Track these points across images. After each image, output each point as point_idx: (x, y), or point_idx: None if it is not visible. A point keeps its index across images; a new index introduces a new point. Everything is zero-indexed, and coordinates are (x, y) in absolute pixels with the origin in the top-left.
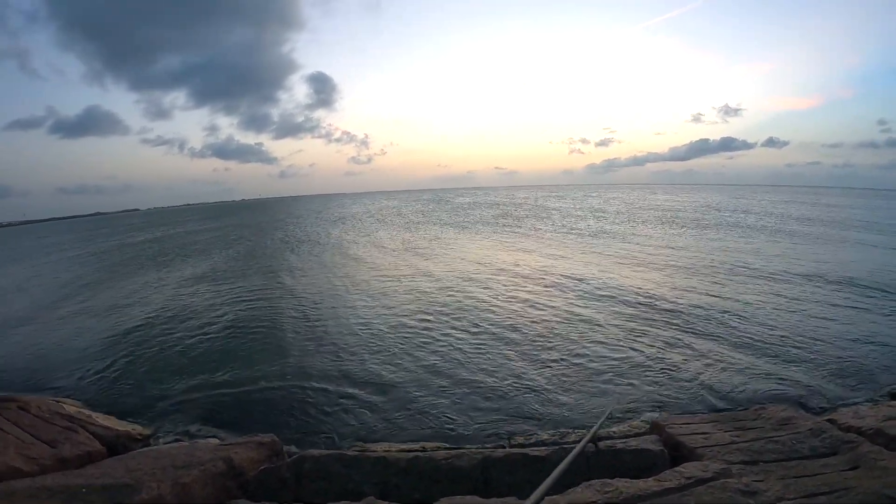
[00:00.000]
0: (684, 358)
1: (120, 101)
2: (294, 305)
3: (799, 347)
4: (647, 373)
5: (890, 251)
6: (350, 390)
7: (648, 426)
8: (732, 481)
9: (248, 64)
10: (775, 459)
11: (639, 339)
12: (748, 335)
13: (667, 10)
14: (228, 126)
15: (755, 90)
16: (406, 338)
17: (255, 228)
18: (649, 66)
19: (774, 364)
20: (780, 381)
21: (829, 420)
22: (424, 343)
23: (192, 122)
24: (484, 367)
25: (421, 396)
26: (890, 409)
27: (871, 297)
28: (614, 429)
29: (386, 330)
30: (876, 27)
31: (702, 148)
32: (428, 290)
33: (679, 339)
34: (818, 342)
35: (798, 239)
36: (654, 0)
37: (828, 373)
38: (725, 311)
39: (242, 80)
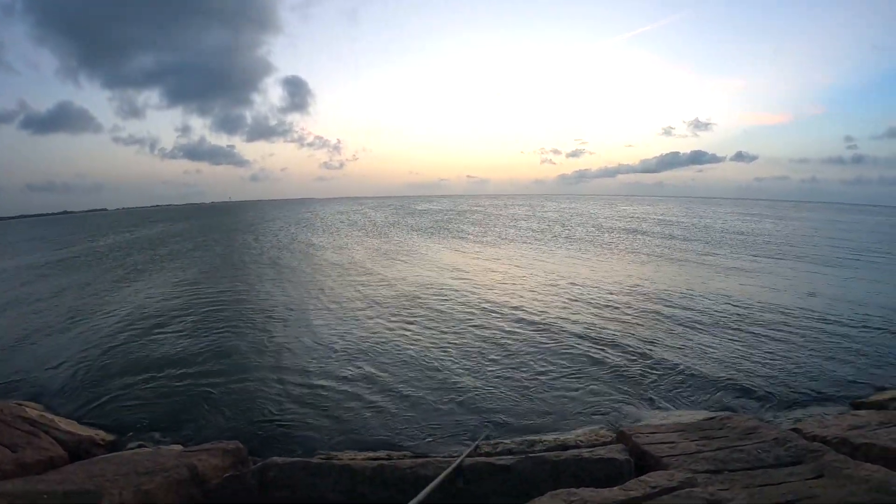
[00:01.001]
0: (649, 367)
1: (93, 98)
2: (260, 311)
3: (763, 358)
4: (612, 382)
5: (843, 268)
6: (315, 398)
7: (614, 435)
8: (698, 490)
9: (224, 65)
10: (741, 468)
11: (601, 347)
12: (712, 346)
13: (642, 25)
14: (201, 127)
15: (726, 105)
16: (371, 344)
17: (224, 232)
18: (622, 78)
19: (740, 374)
20: (745, 392)
21: (794, 430)
22: (389, 349)
23: (164, 122)
24: (448, 374)
25: (385, 404)
26: (854, 418)
27: (834, 310)
28: (581, 438)
29: (352, 336)
30: (846, 47)
31: (672, 161)
32: (387, 294)
33: (642, 349)
34: (782, 353)
35: (742, 250)
36: (631, 14)
37: (793, 383)
38: (688, 322)
39: (217, 82)
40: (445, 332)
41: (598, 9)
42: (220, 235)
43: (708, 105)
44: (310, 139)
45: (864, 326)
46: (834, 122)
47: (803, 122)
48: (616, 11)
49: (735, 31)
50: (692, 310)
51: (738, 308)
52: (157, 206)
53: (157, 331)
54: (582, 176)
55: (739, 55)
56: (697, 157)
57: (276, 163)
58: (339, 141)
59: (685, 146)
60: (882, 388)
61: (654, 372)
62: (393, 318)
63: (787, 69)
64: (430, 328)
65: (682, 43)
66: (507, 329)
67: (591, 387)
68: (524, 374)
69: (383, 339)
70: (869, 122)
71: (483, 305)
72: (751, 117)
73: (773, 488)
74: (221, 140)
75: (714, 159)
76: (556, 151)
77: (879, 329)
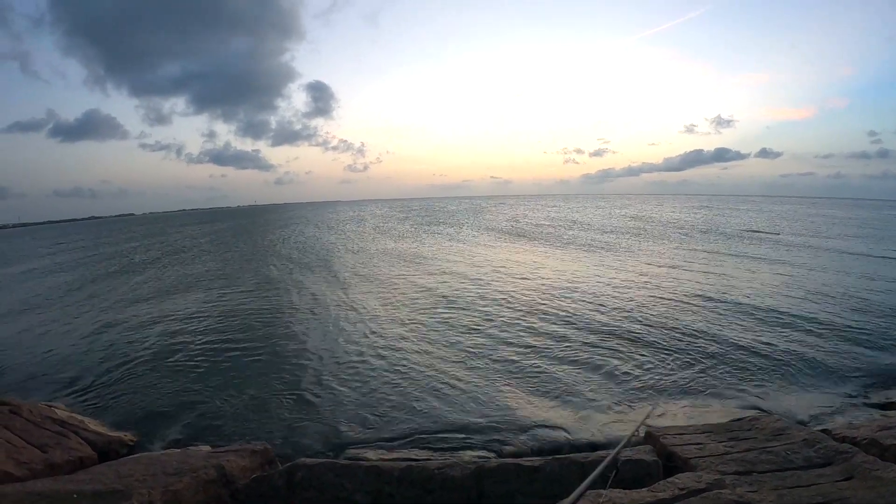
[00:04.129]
0: (678, 369)
1: (120, 105)
2: (284, 315)
3: (791, 358)
4: (641, 383)
5: (875, 263)
6: (341, 398)
7: (643, 437)
8: (726, 492)
9: (248, 72)
10: (769, 470)
11: (628, 347)
12: (738, 347)
13: (662, 22)
14: (226, 133)
15: (748, 101)
16: (395, 346)
17: (249, 234)
18: (643, 76)
19: (768, 375)
20: (774, 392)
21: (823, 430)
22: (412, 351)
23: (190, 128)
24: (472, 376)
25: (411, 404)
26: (884, 419)
27: (861, 307)
28: (609, 438)
29: (375, 338)
30: (870, 39)
31: (696, 159)
32: (411, 294)
33: (668, 348)
34: (811, 353)
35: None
36: (650, 11)
37: (822, 383)
38: (712, 322)
39: (241, 88)
40: (467, 333)
41: (616, 7)
42: (247, 238)
43: (730, 101)
44: (334, 143)
45: (886, 324)
46: (857, 115)
47: (827, 116)
48: (634, 9)
49: (754, 25)
50: (718, 309)
51: (764, 307)
52: (184, 210)
53: (183, 335)
54: (606, 175)
55: (759, 50)
56: (721, 155)
57: (300, 166)
58: (362, 144)
59: (708, 144)
60: None
61: (683, 372)
62: (416, 321)
63: (808, 62)
64: (449, 330)
65: (701, 40)
66: (532, 329)
67: (619, 387)
68: (551, 374)
69: (409, 339)
70: (892, 114)
71: (512, 305)
72: (774, 112)
73: (802, 490)
74: (247, 145)
75: (738, 156)
76: (578, 151)
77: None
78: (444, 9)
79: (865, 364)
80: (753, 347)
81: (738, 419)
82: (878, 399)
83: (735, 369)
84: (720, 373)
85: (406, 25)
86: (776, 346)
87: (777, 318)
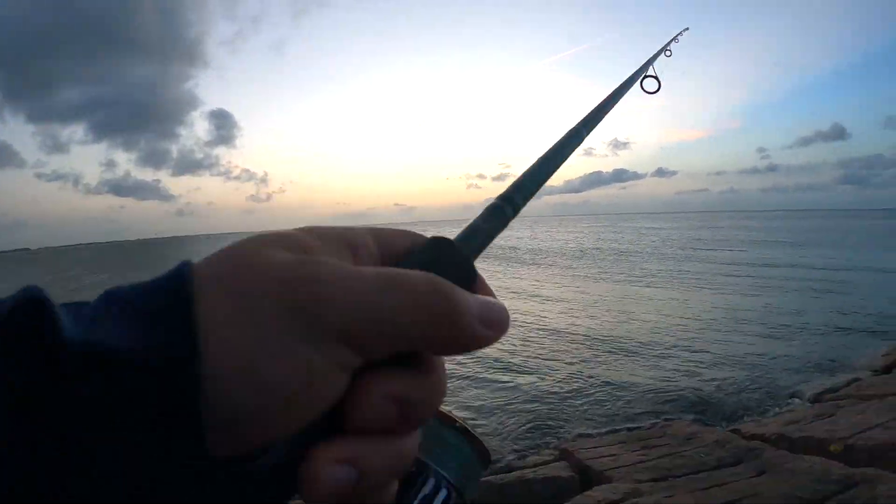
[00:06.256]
0: (584, 381)
1: (16, 132)
2: None
3: (697, 363)
4: (549, 403)
5: (765, 267)
6: None
7: (556, 453)
8: (643, 500)
9: (150, 99)
10: (683, 474)
11: (528, 372)
12: (642, 359)
13: (565, 49)
14: (126, 161)
15: (645, 124)
16: None
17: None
18: (544, 102)
19: (675, 381)
20: (682, 398)
21: (732, 431)
22: None
23: (89, 157)
24: None
25: None
26: (790, 414)
27: (761, 309)
28: (523, 458)
29: None
30: (758, 65)
31: (595, 180)
32: None
33: (570, 370)
34: (715, 356)
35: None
36: (554, 39)
37: (728, 386)
38: (614, 332)
39: (143, 115)
40: None
41: (521, 34)
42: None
43: (627, 125)
44: (236, 172)
45: (781, 326)
46: (748, 134)
47: (720, 136)
48: (539, 36)
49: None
50: (614, 328)
51: (655, 323)
52: (81, 244)
53: None
54: None
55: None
56: (619, 175)
57: (202, 197)
58: (265, 173)
59: (606, 165)
60: (809, 382)
61: (590, 389)
62: None
63: (702, 87)
64: None
65: (601, 66)
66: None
67: (527, 408)
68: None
69: None
70: (780, 133)
71: None
72: (669, 134)
73: (717, 489)
74: (147, 175)
75: (636, 176)
76: (481, 176)
77: (799, 329)
78: (350, 37)
79: (769, 362)
80: (657, 355)
81: (650, 427)
82: (783, 396)
83: (641, 380)
84: (628, 382)
85: (311, 54)
86: (676, 356)
87: (676, 322)
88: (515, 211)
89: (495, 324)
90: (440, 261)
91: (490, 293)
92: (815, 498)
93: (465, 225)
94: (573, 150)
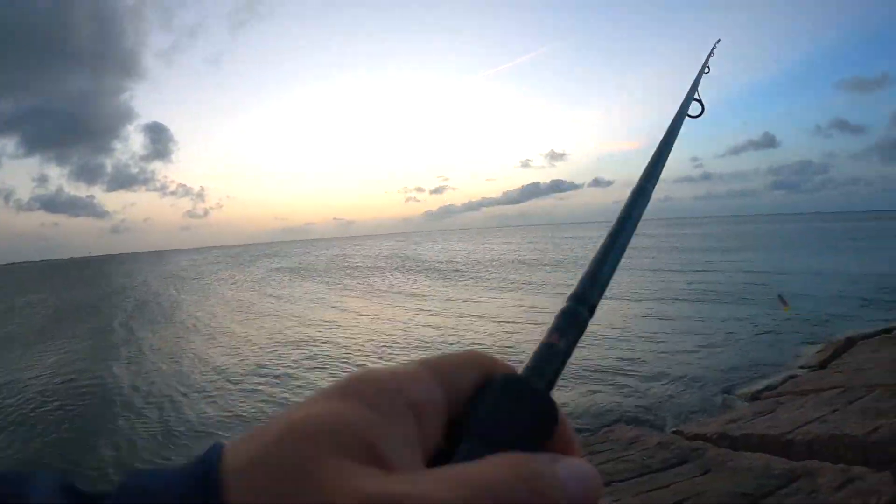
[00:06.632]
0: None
1: None
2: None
3: (636, 368)
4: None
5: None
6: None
7: None
8: None
9: (84, 111)
10: (628, 478)
11: None
12: (582, 362)
13: (504, 62)
14: (59, 176)
15: (583, 135)
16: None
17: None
18: (482, 114)
19: (615, 388)
20: (623, 405)
21: (675, 432)
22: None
23: (21, 172)
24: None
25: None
26: (730, 412)
27: (695, 314)
28: None
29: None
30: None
31: (533, 191)
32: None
33: None
34: (655, 360)
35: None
36: (493, 51)
37: (668, 390)
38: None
39: (77, 128)
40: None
41: (459, 47)
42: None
43: (564, 136)
44: (173, 187)
45: (717, 330)
46: (682, 144)
47: (655, 147)
48: (478, 49)
49: (587, 66)
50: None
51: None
52: (13, 263)
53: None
54: (447, 211)
55: (592, 88)
56: (557, 186)
57: (137, 213)
58: (202, 188)
59: (544, 176)
60: (748, 381)
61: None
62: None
63: (637, 101)
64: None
65: (539, 78)
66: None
67: None
68: None
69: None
70: (712, 142)
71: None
72: (606, 145)
73: (662, 491)
74: (80, 190)
75: (573, 187)
76: (419, 189)
77: (734, 331)
78: (288, 51)
79: (707, 362)
80: (597, 362)
81: (594, 433)
82: (722, 395)
83: (580, 387)
84: (569, 389)
85: (249, 67)
86: (619, 357)
87: (612, 329)
88: (592, 311)
89: (590, 499)
90: (516, 414)
91: (570, 431)
92: (759, 493)
93: (404, 238)
94: (643, 211)
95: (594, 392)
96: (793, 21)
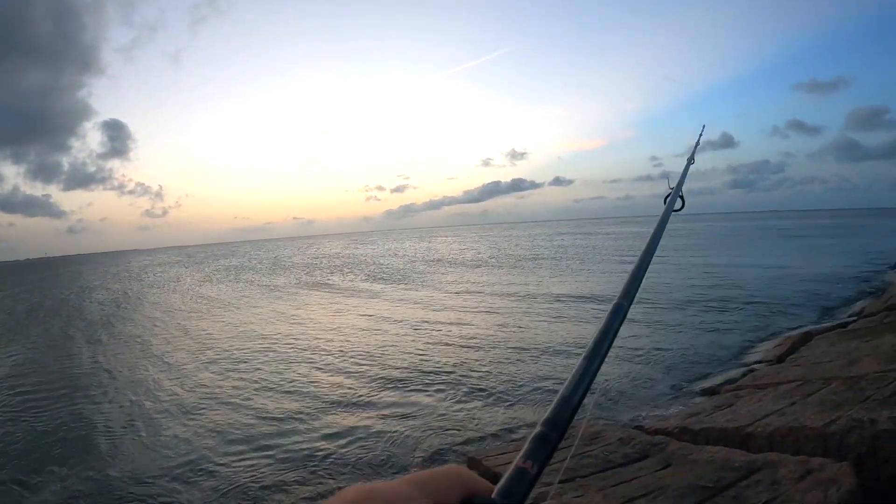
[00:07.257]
0: (484, 392)
1: None
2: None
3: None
4: (451, 410)
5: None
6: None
7: (465, 462)
8: (553, 502)
9: (41, 108)
10: (591, 473)
11: (428, 384)
12: (534, 364)
13: (466, 61)
14: (15, 175)
15: (543, 134)
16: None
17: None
18: (444, 113)
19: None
20: (584, 400)
21: (636, 427)
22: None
23: None
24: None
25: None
26: (690, 407)
27: (652, 310)
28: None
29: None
30: (650, 78)
31: (494, 190)
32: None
33: (467, 379)
34: (612, 357)
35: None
36: (456, 51)
37: (628, 384)
38: (503, 337)
39: (33, 125)
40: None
41: (425, 45)
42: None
43: (524, 135)
44: (131, 186)
45: (675, 325)
46: (641, 143)
47: (615, 146)
48: (441, 48)
49: (548, 65)
50: (509, 337)
51: (546, 327)
52: None
53: None
54: (408, 210)
55: (552, 88)
56: (517, 185)
57: (95, 213)
58: (160, 187)
59: (505, 175)
60: (707, 376)
61: (488, 397)
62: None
63: (597, 100)
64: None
65: (500, 78)
66: (318, 379)
67: (429, 421)
68: (353, 421)
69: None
70: (671, 142)
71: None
72: (567, 144)
73: (625, 486)
74: (37, 189)
75: (533, 185)
76: (380, 188)
77: (693, 326)
78: (249, 48)
79: (667, 357)
80: (550, 361)
81: None
82: (680, 391)
83: (537, 385)
84: (525, 388)
85: (209, 64)
86: (565, 359)
87: (566, 324)
88: (562, 435)
89: None
90: None
91: None
92: (720, 485)
93: (364, 237)
94: (620, 325)
95: (551, 387)
96: (752, 25)
